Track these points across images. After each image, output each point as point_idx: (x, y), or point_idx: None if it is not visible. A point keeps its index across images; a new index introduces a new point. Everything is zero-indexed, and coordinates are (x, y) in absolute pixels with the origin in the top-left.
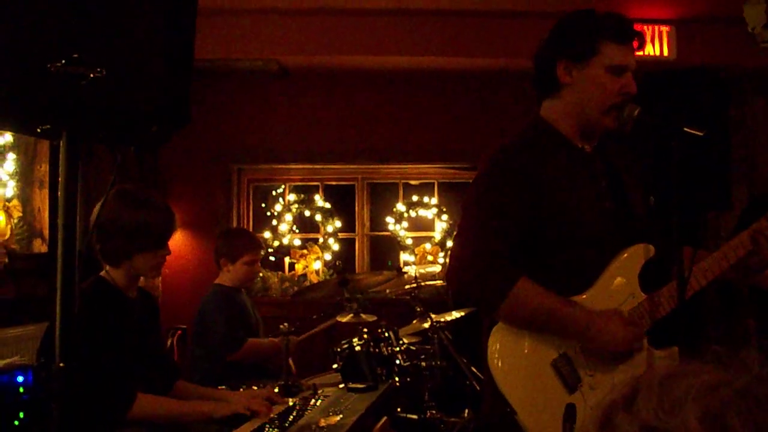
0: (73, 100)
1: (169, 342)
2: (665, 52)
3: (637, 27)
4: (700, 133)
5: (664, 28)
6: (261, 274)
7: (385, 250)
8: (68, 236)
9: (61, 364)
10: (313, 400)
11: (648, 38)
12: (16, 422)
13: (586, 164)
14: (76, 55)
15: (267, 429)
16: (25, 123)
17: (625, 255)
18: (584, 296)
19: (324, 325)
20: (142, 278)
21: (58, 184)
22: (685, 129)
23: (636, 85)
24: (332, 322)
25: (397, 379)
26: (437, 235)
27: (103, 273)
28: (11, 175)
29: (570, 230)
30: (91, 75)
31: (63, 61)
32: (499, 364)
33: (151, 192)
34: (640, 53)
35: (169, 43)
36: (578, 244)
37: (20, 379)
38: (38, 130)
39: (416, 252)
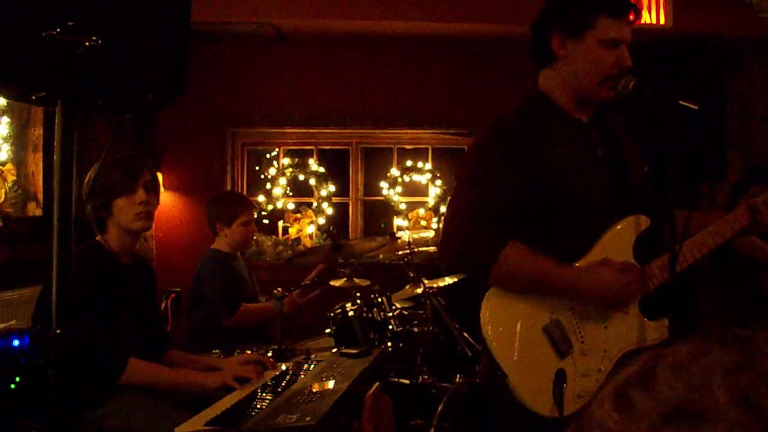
0: (68, 68)
1: (163, 305)
2: (661, 20)
3: None
4: (695, 107)
5: None
6: (255, 238)
7: (379, 214)
8: (64, 202)
9: (58, 331)
10: (306, 365)
11: (644, 6)
12: (13, 386)
13: (583, 135)
14: (71, 24)
15: (260, 394)
16: (21, 90)
17: (619, 226)
18: (578, 264)
19: (322, 288)
20: (138, 246)
21: (52, 148)
22: (681, 102)
23: (631, 56)
24: (322, 268)
25: (389, 344)
26: (431, 200)
27: (98, 238)
28: (5, 139)
29: (566, 200)
30: (87, 44)
31: (58, 30)
32: (491, 329)
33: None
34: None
35: (166, 12)
36: (574, 213)
37: (16, 343)
38: (33, 98)
39: (410, 217)
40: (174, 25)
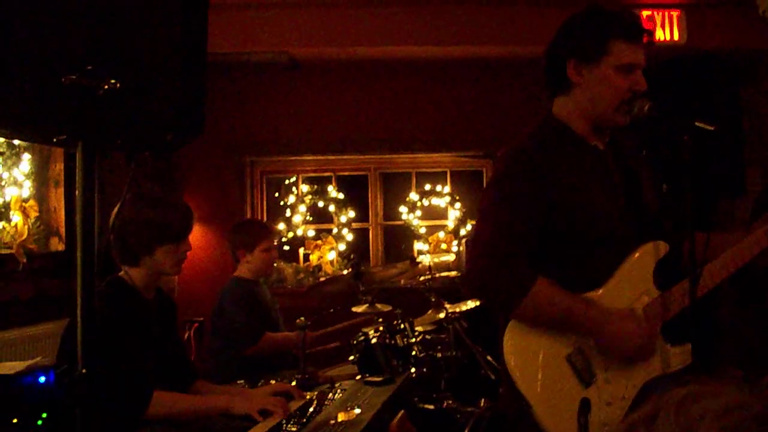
0: (87, 111)
1: (186, 335)
2: (675, 37)
3: (647, 12)
4: (711, 128)
5: (674, 13)
6: (276, 265)
7: (399, 239)
8: (87, 243)
9: (84, 370)
10: (330, 394)
11: (658, 23)
12: (40, 422)
13: (600, 162)
14: (89, 68)
15: (285, 425)
16: (42, 134)
17: (639, 253)
18: (600, 292)
19: (341, 325)
20: (163, 278)
21: (73, 183)
22: (697, 123)
23: (645, 75)
24: (350, 323)
25: (413, 370)
26: (450, 223)
27: (121, 273)
28: (27, 176)
29: (585, 228)
30: (105, 86)
31: (77, 74)
32: (514, 359)
33: (169, 192)
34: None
35: (182, 53)
36: (593, 241)
37: (42, 379)
38: (54, 140)
39: (430, 241)
40: (190, 66)
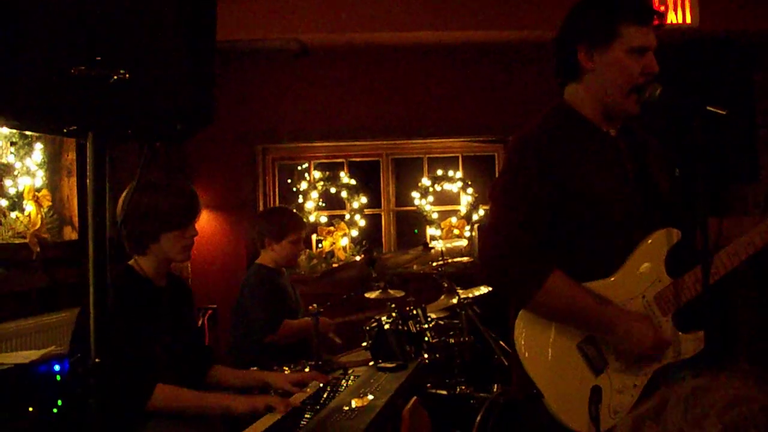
0: (97, 101)
1: (200, 321)
2: (688, 20)
3: None
4: (723, 112)
5: None
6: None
7: (411, 224)
8: (98, 233)
9: (97, 360)
10: (344, 381)
11: (670, 6)
12: (55, 410)
13: (612, 148)
14: (98, 59)
15: (299, 412)
16: (53, 125)
17: (651, 239)
18: (612, 279)
19: (358, 316)
20: (172, 265)
21: (85, 172)
22: (708, 108)
23: (657, 58)
24: (367, 315)
25: (426, 356)
26: (463, 208)
27: (131, 262)
28: (39, 165)
29: (598, 215)
30: (114, 77)
31: (86, 65)
32: (526, 348)
33: (175, 178)
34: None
35: (191, 43)
36: (605, 228)
37: (57, 368)
38: (65, 131)
39: (442, 226)
40: (200, 56)
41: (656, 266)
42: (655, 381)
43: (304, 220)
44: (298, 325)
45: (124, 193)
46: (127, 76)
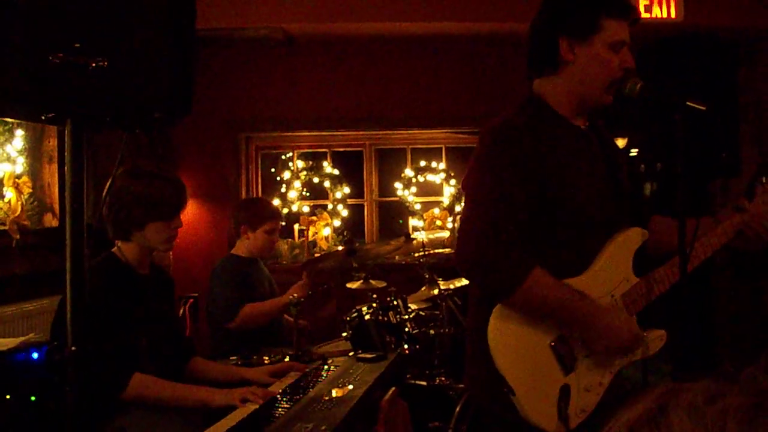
0: (76, 89)
1: (181, 311)
2: (672, 14)
3: None
4: (703, 107)
5: None
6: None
7: (394, 215)
8: (76, 220)
9: (73, 348)
10: (323, 371)
11: (655, 0)
12: (33, 398)
13: (585, 141)
14: (77, 46)
15: (277, 401)
16: (31, 111)
17: (620, 238)
18: (582, 277)
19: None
20: (154, 253)
21: (65, 162)
22: (689, 103)
23: (643, 53)
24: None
25: (406, 346)
26: (445, 200)
27: (114, 249)
28: (20, 152)
29: (572, 210)
30: (93, 65)
31: (65, 52)
32: (499, 346)
33: (162, 167)
34: (647, 16)
35: (171, 32)
36: (578, 223)
37: (35, 356)
38: (43, 118)
39: (425, 217)
40: (179, 45)
41: (625, 265)
42: (618, 380)
43: (287, 209)
44: (264, 306)
45: (109, 179)
46: (106, 63)
